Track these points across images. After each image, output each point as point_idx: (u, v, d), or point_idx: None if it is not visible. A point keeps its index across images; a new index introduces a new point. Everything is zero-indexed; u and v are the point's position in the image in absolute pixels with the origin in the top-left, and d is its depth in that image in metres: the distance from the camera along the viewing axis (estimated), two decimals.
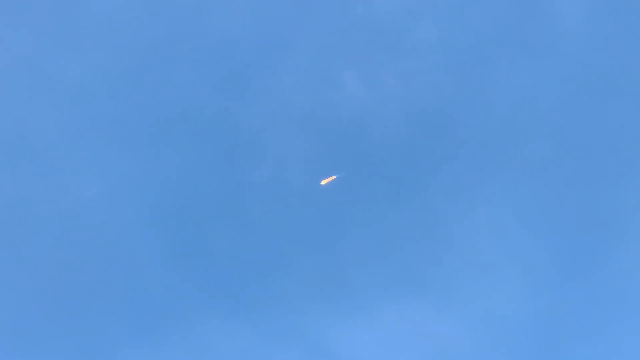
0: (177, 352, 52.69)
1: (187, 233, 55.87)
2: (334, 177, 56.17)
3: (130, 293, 53.92)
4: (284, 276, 55.06)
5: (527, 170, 57.83)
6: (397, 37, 59.25)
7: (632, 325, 53.90)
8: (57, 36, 58.74)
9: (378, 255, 56.00)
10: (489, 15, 60.38)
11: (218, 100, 58.68)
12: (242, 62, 59.55)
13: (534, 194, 57.43)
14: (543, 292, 54.99)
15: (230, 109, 58.51)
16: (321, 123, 58.19)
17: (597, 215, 56.91)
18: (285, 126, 58.27)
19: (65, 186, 56.00)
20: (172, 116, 58.33)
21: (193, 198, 56.62)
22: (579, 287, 54.96)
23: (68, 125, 57.42)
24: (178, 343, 52.85)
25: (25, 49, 58.34)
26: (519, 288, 55.03)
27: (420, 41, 59.14)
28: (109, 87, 58.40)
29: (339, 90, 58.66)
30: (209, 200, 56.67)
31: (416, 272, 55.65)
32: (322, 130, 58.12)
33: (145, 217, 55.97)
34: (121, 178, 56.71)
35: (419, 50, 59.01)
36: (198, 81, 59.04)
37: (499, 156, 58.27)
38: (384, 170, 57.71)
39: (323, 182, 56.19)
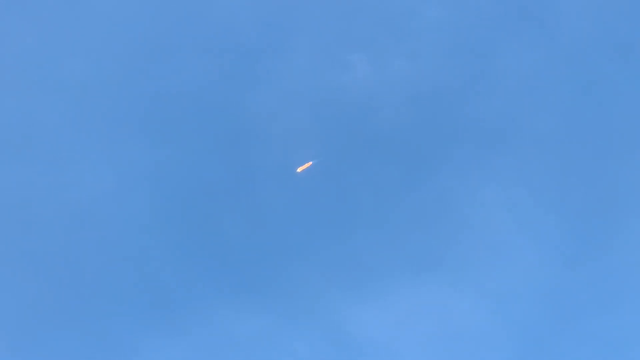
0: (197, 340, 52.91)
1: (202, 222, 56.30)
2: (310, 163, 56.26)
3: (148, 284, 54.27)
4: (299, 261, 55.45)
5: (539, 148, 58.13)
6: (405, 18, 59.45)
7: None
8: (67, 31, 59.51)
9: (392, 237, 56.32)
10: None
11: (227, 87, 59.19)
12: (250, 48, 60.02)
13: (547, 171, 57.66)
14: (557, 269, 55.14)
15: (240, 95, 58.93)
16: (331, 106, 58.49)
17: (610, 191, 56.99)
18: (295, 110, 58.63)
19: (80, 180, 56.59)
20: (183, 105, 58.76)
21: (207, 187, 57.01)
22: (593, 263, 55.01)
23: (81, 119, 58.08)
24: (197, 331, 53.05)
25: (36, 46, 59.08)
26: (532, 265, 55.17)
27: (428, 22, 59.44)
28: (119, 81, 59.01)
29: (348, 73, 59.13)
30: (223, 188, 57.10)
31: (430, 252, 55.92)
32: (332, 114, 58.44)
33: (160, 208, 56.41)
34: (134, 170, 57.24)
35: (426, 30, 59.37)
36: (207, 69, 59.52)
37: (510, 134, 58.53)
38: (395, 152, 58.11)
39: (299, 170, 56.29)
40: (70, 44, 59.56)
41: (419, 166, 57.81)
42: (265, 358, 52.48)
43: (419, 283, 54.79)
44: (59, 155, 56.90)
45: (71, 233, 54.67)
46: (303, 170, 56.30)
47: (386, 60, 59.03)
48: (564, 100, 59.16)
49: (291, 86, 58.99)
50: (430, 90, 58.43)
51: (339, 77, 58.81)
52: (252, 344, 52.86)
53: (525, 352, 52.77)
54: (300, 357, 52.38)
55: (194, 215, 56.40)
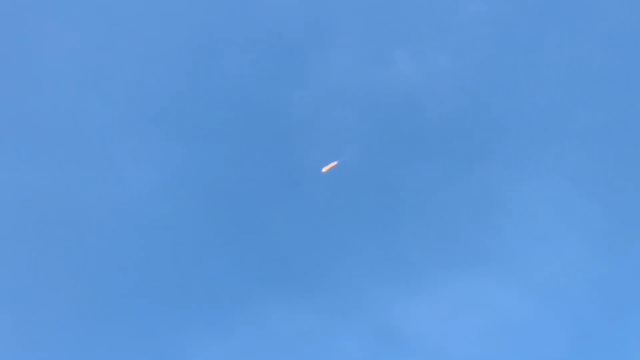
0: (245, 339, 53.08)
1: (248, 221, 56.44)
2: (335, 162, 56.24)
3: (195, 283, 54.47)
4: (346, 258, 55.46)
5: (583, 140, 57.92)
6: (447, 13, 59.43)
7: None
8: (111, 32, 59.93)
9: (438, 231, 56.26)
10: None
11: (271, 85, 59.36)
12: (293, 45, 60.17)
13: (591, 163, 57.45)
14: (603, 260, 54.85)
15: (283, 92, 59.15)
16: (374, 102, 58.51)
17: None
18: (338, 107, 58.66)
19: (126, 180, 57.01)
20: (226, 104, 59.06)
21: (252, 185, 57.18)
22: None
23: (126, 119, 58.51)
24: (245, 330, 53.22)
25: (81, 47, 59.61)
26: (579, 256, 54.92)
27: (470, 16, 59.32)
28: (164, 80, 59.36)
29: (390, 69, 59.19)
30: (268, 186, 57.29)
31: (476, 246, 55.79)
32: (375, 110, 58.40)
33: (206, 207, 56.63)
34: (179, 169, 57.45)
35: (468, 25, 59.26)
36: (250, 67, 59.82)
37: (554, 127, 58.36)
38: (439, 147, 58.13)
39: (324, 169, 56.29)
40: (115, 45, 60.13)
41: (463, 161, 57.83)
42: (314, 356, 52.40)
43: (466, 277, 54.74)
44: (104, 156, 57.39)
45: (119, 233, 55.04)
46: (328, 170, 56.25)
47: (428, 56, 59.13)
48: (608, 93, 58.90)
49: (334, 83, 59.18)
50: (473, 85, 58.43)
51: (382, 73, 59.01)
52: (300, 342, 52.88)
53: (574, 344, 52.56)
54: (348, 354, 52.33)
55: (240, 214, 56.59)
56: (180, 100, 59.06)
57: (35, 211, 54.80)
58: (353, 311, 53.84)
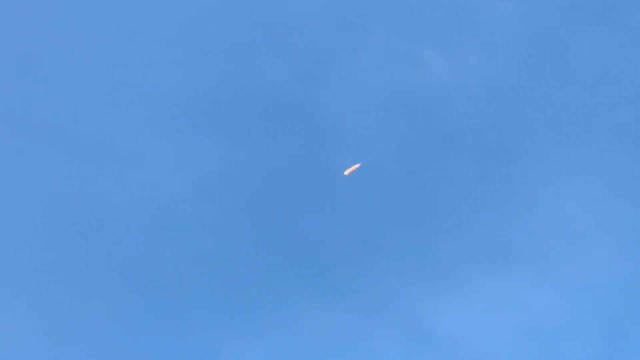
0: (278, 340, 53.02)
1: (281, 222, 56.48)
2: (357, 165, 56.07)
3: (229, 285, 54.56)
4: (378, 259, 55.35)
5: (616, 138, 57.52)
6: (477, 13, 59.16)
7: None
8: (142, 33, 60.04)
9: (470, 232, 56.05)
10: None
11: (301, 87, 59.43)
12: (322, 47, 60.10)
13: (625, 161, 57.05)
14: (638, 258, 54.40)
15: (313, 94, 59.14)
16: (405, 104, 58.33)
17: None
18: (368, 109, 58.54)
19: (158, 181, 57.17)
20: (256, 106, 59.10)
21: (284, 186, 57.23)
22: None
23: (157, 121, 58.72)
24: (278, 332, 53.18)
25: (111, 48, 59.77)
26: (612, 254, 54.56)
27: (501, 15, 59.05)
28: (194, 82, 59.46)
29: (421, 71, 59.03)
30: (300, 187, 57.32)
31: (508, 246, 55.53)
32: (406, 111, 58.26)
33: (239, 208, 56.67)
34: (209, 169, 57.48)
35: (500, 24, 59.03)
36: (281, 68, 59.84)
37: (587, 125, 58.11)
38: (470, 148, 57.96)
39: (346, 172, 56.16)
40: (146, 46, 60.33)
41: (495, 161, 57.64)
42: (347, 358, 52.36)
43: (499, 277, 54.49)
44: (136, 157, 57.61)
45: (151, 234, 55.31)
46: (350, 173, 56.17)
47: (460, 56, 58.82)
48: None
49: (365, 85, 59.03)
50: (505, 85, 58.24)
51: (412, 75, 58.76)
52: (333, 343, 52.79)
53: (608, 344, 52.15)
54: (381, 355, 52.29)
55: (273, 215, 56.68)
56: (209, 101, 59.23)
57: (65, 214, 55.14)
58: (386, 312, 53.72)
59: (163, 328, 52.77)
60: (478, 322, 53.62)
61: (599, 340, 52.33)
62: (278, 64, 60.00)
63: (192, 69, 59.72)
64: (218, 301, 54.02)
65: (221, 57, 60.17)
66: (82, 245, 54.20)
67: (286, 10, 60.78)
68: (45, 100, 58.18)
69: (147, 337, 52.45)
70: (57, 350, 50.77)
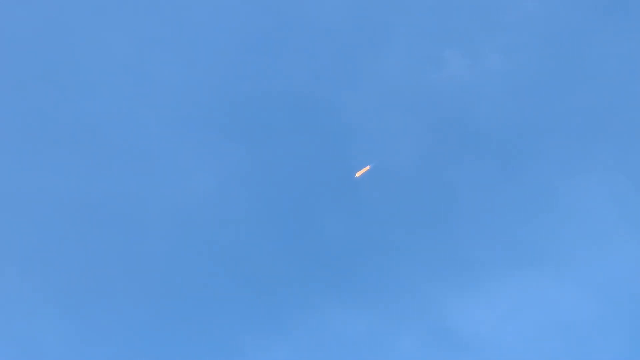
0: (301, 340, 53.23)
1: (304, 222, 56.67)
2: (368, 167, 56.13)
3: (252, 284, 54.77)
4: (402, 259, 55.41)
5: (636, 133, 57.21)
6: (498, 11, 59.15)
7: None
8: (164, 35, 60.53)
9: (493, 231, 55.98)
10: None
11: (323, 87, 59.62)
12: (343, 48, 60.31)
13: None
14: None
15: (334, 94, 59.34)
16: (425, 103, 58.50)
17: None
18: (389, 109, 58.67)
19: (181, 182, 57.55)
20: (279, 106, 59.35)
21: (307, 187, 57.43)
22: None
23: (180, 123, 59.15)
24: (301, 331, 53.40)
25: (134, 51, 60.42)
26: (636, 250, 54.27)
27: (522, 13, 58.99)
28: (216, 83, 59.84)
29: (442, 70, 59.07)
30: (323, 188, 57.46)
31: (531, 243, 55.41)
32: (427, 111, 58.41)
33: (261, 209, 56.94)
34: (236, 169, 57.86)
35: (521, 23, 58.96)
36: (303, 69, 60.13)
37: (610, 123, 57.77)
38: (493, 146, 57.91)
39: (358, 174, 56.20)
40: (168, 48, 60.89)
41: (518, 159, 57.49)
42: (371, 357, 52.42)
43: (523, 276, 54.35)
44: (163, 159, 58.07)
45: (179, 235, 55.68)
46: (361, 175, 56.29)
47: (481, 55, 58.89)
48: None
49: (386, 85, 59.15)
50: (527, 83, 58.07)
51: (434, 74, 58.89)
52: (358, 343, 52.84)
53: (634, 342, 51.81)
54: (406, 355, 52.27)
55: (296, 215, 56.87)
56: (235, 103, 59.59)
57: (90, 215, 55.74)
58: (409, 311, 53.80)
59: (187, 327, 53.14)
60: (501, 320, 53.56)
61: (623, 337, 52.08)
62: (299, 65, 60.31)
63: (213, 71, 60.09)
64: (241, 301, 54.30)
65: (243, 59, 60.52)
66: (108, 245, 54.82)
67: (307, 11, 61.04)
68: (72, 108, 58.77)
69: (171, 336, 52.87)
70: (83, 349, 51.38)
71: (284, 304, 54.10)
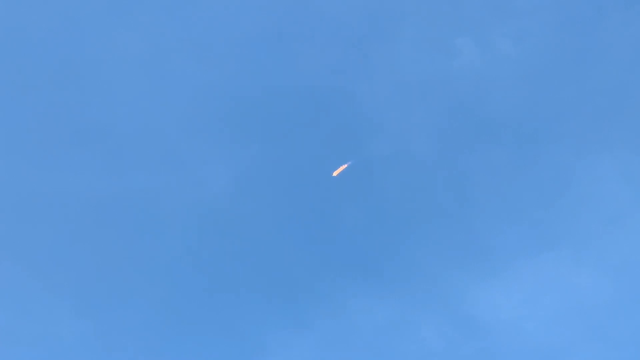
0: (324, 331, 53.59)
1: (324, 213, 56.95)
2: (346, 165, 56.23)
3: (274, 278, 55.15)
4: (421, 247, 55.78)
5: None
6: None
7: None
8: (179, 32, 60.37)
9: (510, 215, 56.27)
10: None
11: (336, 78, 59.57)
12: (355, 39, 60.21)
13: None
14: None
15: (348, 87, 59.36)
16: (441, 93, 58.54)
17: None
18: (403, 98, 58.77)
19: (200, 178, 57.76)
20: (293, 100, 59.48)
21: (325, 179, 57.55)
22: None
23: (196, 120, 59.25)
24: (324, 322, 53.80)
25: (150, 49, 60.36)
26: None
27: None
28: (229, 79, 59.95)
29: (455, 59, 59.08)
30: (342, 179, 57.52)
31: (550, 229, 55.68)
32: (441, 100, 58.43)
33: (280, 202, 57.22)
34: (251, 165, 58.03)
35: (532, 8, 58.64)
36: (315, 61, 59.96)
37: (622, 103, 57.86)
38: (507, 133, 58.08)
39: (335, 173, 56.30)
40: (181, 44, 60.73)
41: (533, 144, 57.61)
42: (395, 346, 52.84)
43: (542, 260, 54.72)
44: (178, 157, 58.18)
45: (197, 232, 56.03)
46: (339, 173, 56.41)
47: (492, 42, 58.79)
48: None
49: (398, 74, 59.14)
50: (539, 68, 58.02)
51: (446, 63, 58.81)
52: (380, 332, 53.35)
53: None
54: (429, 343, 52.81)
55: (316, 207, 57.14)
56: (248, 97, 59.56)
57: (113, 214, 56.07)
58: (431, 300, 54.26)
59: (209, 325, 53.60)
60: (521, 305, 53.97)
61: None
62: (312, 58, 60.16)
63: (227, 66, 60.02)
64: (263, 297, 54.73)
65: (256, 53, 60.33)
66: (125, 244, 55.23)
67: (318, 2, 60.78)
68: (87, 105, 58.86)
69: (193, 333, 53.33)
70: (103, 350, 51.94)
71: (305, 297, 54.50)
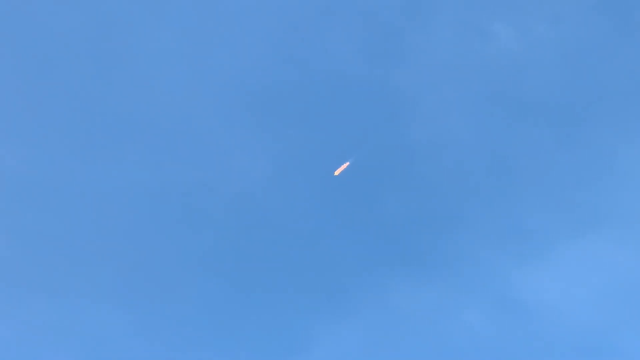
0: (368, 320, 53.79)
1: (364, 201, 57.14)
2: (347, 163, 56.11)
3: (317, 267, 55.36)
4: (462, 231, 55.99)
5: None
6: None
7: None
8: (214, 25, 60.28)
9: (551, 197, 56.33)
10: None
11: (372, 64, 59.51)
12: (391, 24, 59.89)
13: None
14: None
15: (385, 70, 59.29)
16: (479, 77, 58.47)
17: None
18: (443, 84, 58.80)
19: (238, 169, 57.99)
20: (329, 86, 59.49)
21: (365, 164, 57.64)
22: None
23: (236, 112, 59.30)
24: (368, 311, 53.97)
25: (188, 44, 60.56)
26: None
27: None
28: (265, 69, 59.89)
29: (492, 43, 58.86)
30: (381, 164, 57.92)
31: (593, 210, 55.78)
32: (479, 84, 58.41)
33: (320, 192, 57.32)
34: (288, 154, 58.11)
35: None
36: (350, 47, 59.81)
37: None
38: (547, 117, 57.97)
39: (336, 173, 56.16)
40: (220, 38, 60.60)
41: (574, 126, 57.52)
42: (439, 331, 52.95)
43: (584, 241, 54.83)
44: (218, 149, 58.26)
45: (237, 223, 56.39)
46: (341, 172, 56.37)
47: (528, 26, 58.56)
48: None
49: (436, 59, 59.05)
50: (577, 51, 57.68)
51: (484, 48, 58.63)
52: (424, 318, 53.47)
53: None
54: (473, 327, 52.95)
55: (358, 195, 57.21)
56: (285, 85, 59.47)
57: (150, 208, 56.42)
58: (473, 283, 54.37)
59: (254, 314, 53.88)
60: (565, 286, 54.07)
61: None
62: (348, 43, 60.02)
63: (263, 55, 59.71)
64: (308, 286, 54.97)
65: (291, 40, 60.11)
66: (168, 240, 55.52)
67: None
68: (121, 100, 59.10)
69: (240, 324, 53.68)
70: (155, 343, 52.23)
71: (348, 284, 54.65)
